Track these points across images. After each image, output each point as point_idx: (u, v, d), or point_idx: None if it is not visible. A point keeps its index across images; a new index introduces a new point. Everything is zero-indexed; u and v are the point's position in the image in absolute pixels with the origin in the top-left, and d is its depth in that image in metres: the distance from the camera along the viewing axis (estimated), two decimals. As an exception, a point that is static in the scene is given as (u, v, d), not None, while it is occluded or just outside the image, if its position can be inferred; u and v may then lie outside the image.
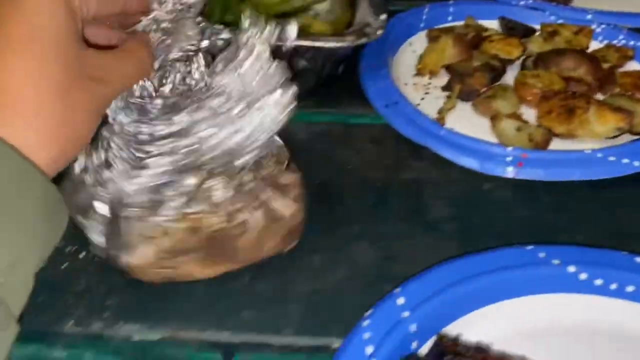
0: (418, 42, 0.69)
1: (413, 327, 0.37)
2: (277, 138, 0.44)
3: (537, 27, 0.70)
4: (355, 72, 0.64)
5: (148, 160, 0.40)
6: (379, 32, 0.57)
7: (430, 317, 0.38)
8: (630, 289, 0.40)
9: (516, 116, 0.57)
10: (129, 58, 0.37)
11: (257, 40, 0.41)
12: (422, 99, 0.62)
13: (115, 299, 0.43)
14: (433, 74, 0.65)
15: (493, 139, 0.55)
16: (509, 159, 0.51)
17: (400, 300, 0.39)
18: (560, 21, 0.70)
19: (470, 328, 0.38)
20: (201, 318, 0.42)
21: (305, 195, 0.45)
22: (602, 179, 0.50)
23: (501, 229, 0.48)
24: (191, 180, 0.40)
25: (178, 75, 0.42)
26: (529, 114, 0.59)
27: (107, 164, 0.41)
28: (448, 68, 0.64)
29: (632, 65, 0.65)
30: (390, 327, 0.37)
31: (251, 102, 0.40)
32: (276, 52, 0.48)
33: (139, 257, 0.41)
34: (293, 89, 0.41)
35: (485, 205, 0.50)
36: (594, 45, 0.68)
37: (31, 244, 0.29)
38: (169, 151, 0.40)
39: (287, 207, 0.43)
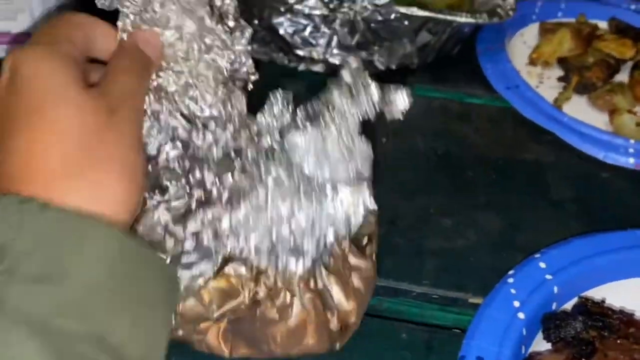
0: (529, 34, 0.71)
1: (555, 289, 0.40)
2: (370, 204, 0.37)
3: (647, 30, 0.71)
4: (469, 54, 0.65)
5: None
6: (511, 12, 0.59)
7: (570, 282, 0.40)
8: None
9: (633, 112, 0.59)
10: (123, 72, 0.32)
11: (351, 107, 0.35)
12: (537, 87, 0.64)
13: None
14: (547, 64, 0.66)
15: (609, 130, 0.57)
16: (632, 150, 0.53)
17: (542, 265, 0.41)
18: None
19: (608, 298, 0.40)
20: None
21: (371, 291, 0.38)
22: None
23: (621, 214, 0.50)
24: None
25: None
26: (642, 112, 0.60)
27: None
28: (562, 61, 0.65)
29: None
30: (535, 286, 0.39)
31: (320, 187, 0.35)
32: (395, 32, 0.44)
33: None
34: (369, 191, 0.35)
35: (604, 192, 0.52)
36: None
37: (160, 328, 0.28)
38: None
39: (344, 299, 0.36)
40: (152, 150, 0.35)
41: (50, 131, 0.27)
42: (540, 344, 0.38)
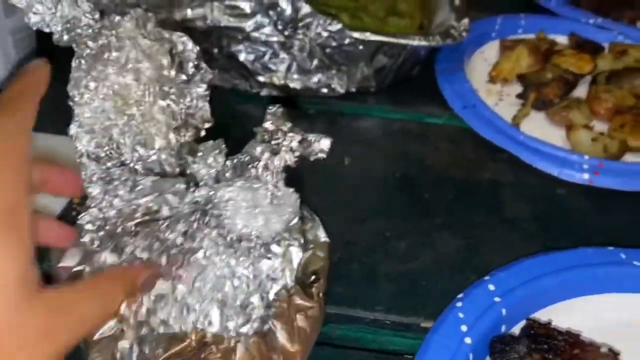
0: (489, 51, 0.72)
1: (503, 312, 0.40)
2: (324, 238, 0.39)
3: (605, 45, 0.72)
4: (429, 74, 0.66)
5: None
6: (464, 34, 0.59)
7: (518, 304, 0.40)
8: None
9: (589, 128, 0.59)
10: (92, 293, 0.30)
11: (272, 159, 0.36)
12: (496, 104, 0.64)
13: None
14: (506, 81, 0.67)
15: (567, 147, 0.58)
16: (586, 166, 0.53)
17: (491, 287, 0.41)
18: (628, 41, 0.72)
19: (555, 318, 0.40)
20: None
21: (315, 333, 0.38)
22: (676, 193, 0.52)
23: (578, 232, 0.50)
24: None
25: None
26: (600, 127, 0.61)
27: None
28: (521, 77, 0.66)
29: (700, 89, 0.67)
30: (483, 310, 0.39)
31: (256, 243, 0.35)
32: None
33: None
34: (300, 242, 0.36)
35: (561, 209, 0.52)
36: (662, 67, 0.70)
37: None
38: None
39: (288, 342, 0.35)
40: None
41: None
42: (489, 368, 0.38)
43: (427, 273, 0.46)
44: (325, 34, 0.55)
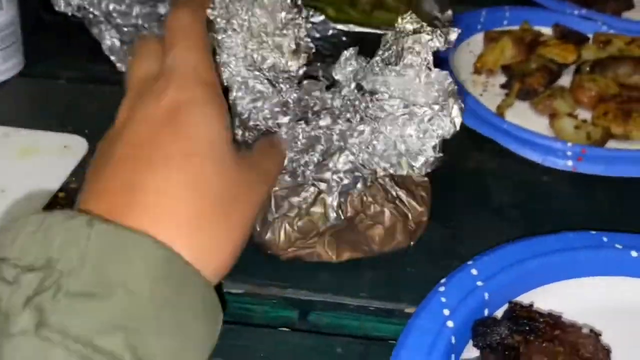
0: (474, 43, 0.72)
1: (486, 295, 0.40)
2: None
3: (590, 35, 0.73)
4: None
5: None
6: (447, 24, 0.59)
7: (501, 288, 0.41)
8: None
9: (573, 116, 0.60)
10: (269, 155, 0.36)
11: (421, 44, 0.40)
12: (481, 94, 0.65)
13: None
14: (491, 72, 0.67)
15: (551, 135, 0.58)
16: (569, 153, 0.54)
17: (474, 271, 0.41)
18: (612, 31, 0.73)
19: (537, 301, 0.41)
20: (281, 279, 0.44)
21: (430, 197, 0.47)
22: (658, 178, 0.53)
23: (561, 218, 0.50)
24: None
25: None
26: (584, 115, 0.61)
27: None
28: (506, 68, 0.67)
29: (683, 77, 0.68)
30: (466, 293, 0.40)
31: (421, 107, 0.40)
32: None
33: (276, 234, 0.43)
34: (460, 103, 0.41)
35: (545, 196, 0.53)
36: (646, 56, 0.70)
37: (191, 347, 0.27)
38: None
39: (416, 205, 0.46)
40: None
41: (195, 181, 0.29)
42: (472, 351, 0.38)
43: (411, 260, 0.46)
44: (307, 25, 0.55)
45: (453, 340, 0.37)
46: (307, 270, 0.45)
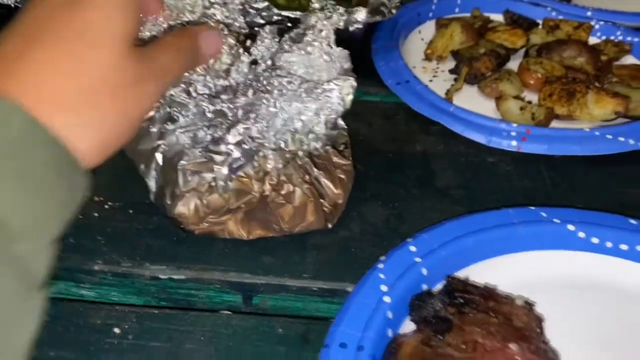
0: (426, 30, 0.73)
1: (424, 271, 0.40)
2: (340, 122, 0.48)
3: (540, 21, 0.74)
4: (367, 54, 0.67)
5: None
6: (394, 10, 0.60)
7: (439, 264, 0.41)
8: (624, 247, 0.43)
9: (520, 98, 0.61)
10: (174, 49, 0.35)
11: (325, 23, 0.44)
12: (431, 80, 0.65)
13: (145, 243, 0.45)
14: (441, 59, 0.68)
15: (497, 117, 0.59)
16: (514, 134, 0.54)
17: (413, 248, 0.42)
18: (560, 17, 0.74)
19: (475, 276, 0.41)
20: (225, 263, 0.44)
21: (351, 183, 0.48)
22: (599, 155, 0.54)
23: (505, 196, 0.51)
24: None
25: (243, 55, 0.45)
26: (531, 97, 0.62)
27: (171, 119, 0.44)
28: (455, 54, 0.67)
29: (629, 60, 0.69)
30: (404, 270, 0.40)
31: (316, 84, 0.43)
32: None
33: (185, 208, 0.44)
34: (354, 77, 0.44)
35: (490, 176, 0.53)
36: (593, 41, 0.72)
37: (50, 206, 0.27)
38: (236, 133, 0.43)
39: (333, 187, 0.46)
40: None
41: (80, 60, 0.29)
42: (410, 327, 0.39)
43: (354, 241, 0.46)
44: (252, 11, 0.56)
45: (390, 315, 0.38)
46: (251, 254, 0.45)
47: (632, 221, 0.44)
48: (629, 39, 0.71)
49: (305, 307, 0.43)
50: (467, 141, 0.56)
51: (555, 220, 0.44)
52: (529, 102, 0.60)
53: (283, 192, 0.44)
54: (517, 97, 0.60)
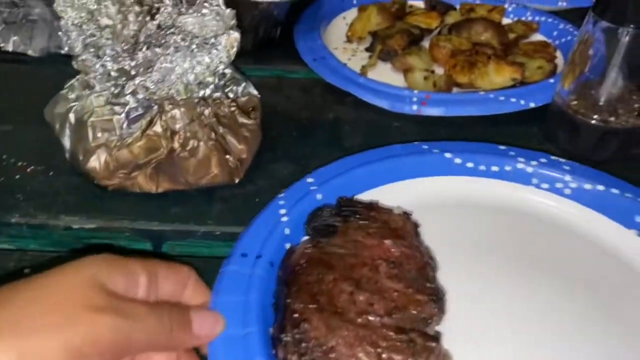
0: (351, 16, 0.78)
1: (319, 197, 0.45)
2: (252, 89, 0.53)
3: (458, 6, 0.79)
4: (290, 36, 0.71)
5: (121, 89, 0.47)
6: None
7: (333, 191, 0.46)
8: (495, 168, 0.49)
9: (428, 71, 0.65)
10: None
11: None
12: (349, 59, 0.70)
13: (62, 199, 0.49)
14: (361, 40, 0.73)
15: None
16: (415, 99, 0.59)
17: (310, 180, 0.47)
18: (477, 1, 0.79)
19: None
20: (134, 213, 0.48)
21: (256, 140, 0.52)
22: (494, 116, 0.58)
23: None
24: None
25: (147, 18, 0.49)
26: (440, 71, 0.67)
27: (89, 86, 0.48)
28: (373, 34, 0.72)
29: (537, 37, 0.74)
30: (300, 196, 0.45)
31: (206, 39, 0.48)
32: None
33: (96, 163, 0.47)
34: (239, 32, 0.49)
35: (392, 137, 0.57)
36: (506, 22, 0.77)
37: None
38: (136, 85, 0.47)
39: (237, 143, 0.50)
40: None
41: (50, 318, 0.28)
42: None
43: (260, 193, 0.50)
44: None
45: (288, 232, 0.42)
46: (161, 205, 0.48)
47: (501, 147, 0.50)
48: (537, 19, 0.76)
49: (212, 252, 0.46)
50: (376, 109, 0.60)
51: (434, 150, 0.49)
52: (433, 72, 0.64)
53: (189, 147, 0.48)
54: (426, 70, 0.65)
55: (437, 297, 0.36)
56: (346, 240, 0.39)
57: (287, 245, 0.42)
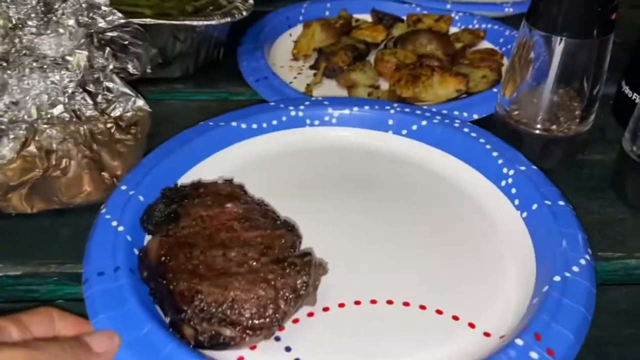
0: (297, 33, 0.76)
1: (141, 198, 0.46)
2: (143, 104, 0.53)
3: (405, 17, 0.78)
4: (234, 58, 0.70)
5: None
6: (244, 12, 0.63)
7: (151, 188, 0.46)
8: (274, 122, 0.55)
9: (373, 87, 0.64)
10: None
11: (64, 5, 0.50)
12: (295, 77, 0.68)
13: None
14: (306, 57, 0.71)
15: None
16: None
17: (123, 187, 0.46)
18: (424, 12, 0.79)
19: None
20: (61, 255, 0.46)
21: (134, 155, 0.52)
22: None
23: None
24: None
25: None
26: (385, 86, 0.65)
27: None
28: (318, 51, 0.71)
29: (485, 45, 0.74)
30: (123, 204, 0.44)
31: (56, 58, 0.49)
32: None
33: None
34: (88, 49, 0.50)
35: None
36: (453, 30, 0.76)
37: None
38: None
39: (110, 160, 0.50)
40: None
41: None
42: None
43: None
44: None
45: (130, 239, 0.42)
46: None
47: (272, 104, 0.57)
48: (483, 26, 0.76)
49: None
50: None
51: (221, 123, 0.53)
52: (377, 88, 0.63)
53: (62, 166, 0.48)
54: (370, 86, 0.64)
55: (290, 227, 0.42)
56: (192, 219, 0.42)
57: (136, 250, 0.42)
